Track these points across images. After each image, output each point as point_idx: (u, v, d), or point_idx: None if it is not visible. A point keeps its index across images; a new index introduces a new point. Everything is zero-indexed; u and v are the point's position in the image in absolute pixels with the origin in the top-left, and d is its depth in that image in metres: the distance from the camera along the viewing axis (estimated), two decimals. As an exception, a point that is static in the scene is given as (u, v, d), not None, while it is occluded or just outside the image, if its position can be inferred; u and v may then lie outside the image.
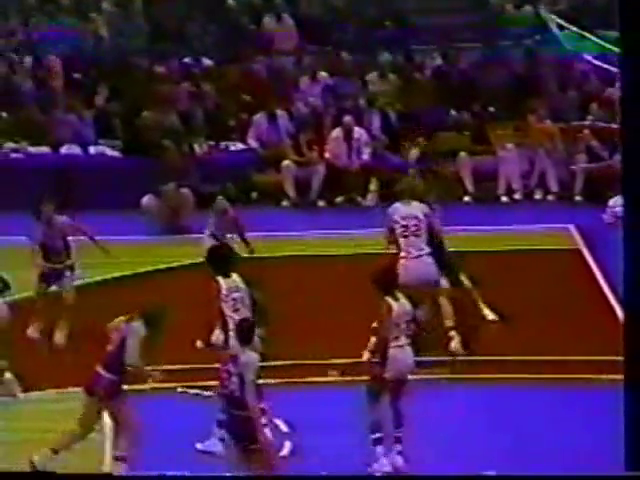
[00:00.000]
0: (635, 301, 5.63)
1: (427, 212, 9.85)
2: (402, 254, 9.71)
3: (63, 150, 13.67)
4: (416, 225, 9.74)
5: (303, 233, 12.36)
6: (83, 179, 13.01)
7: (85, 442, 8.38)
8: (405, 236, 9.77)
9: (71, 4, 15.24)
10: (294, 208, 13.57)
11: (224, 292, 8.76)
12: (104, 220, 11.45)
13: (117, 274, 11.28)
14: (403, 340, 8.33)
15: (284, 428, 8.89)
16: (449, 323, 9.93)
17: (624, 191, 5.50)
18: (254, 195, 13.76)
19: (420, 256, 9.74)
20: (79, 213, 10.69)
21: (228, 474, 7.78)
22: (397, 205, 9.90)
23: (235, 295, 8.77)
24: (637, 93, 5.46)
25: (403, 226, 9.79)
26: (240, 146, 14.06)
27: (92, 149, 13.65)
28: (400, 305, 8.37)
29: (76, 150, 13.63)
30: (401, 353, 8.32)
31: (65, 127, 13.64)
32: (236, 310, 8.68)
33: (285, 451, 8.64)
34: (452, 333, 9.84)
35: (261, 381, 8.18)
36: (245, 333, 8.01)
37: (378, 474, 8.19)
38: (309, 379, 9.56)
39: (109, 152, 13.70)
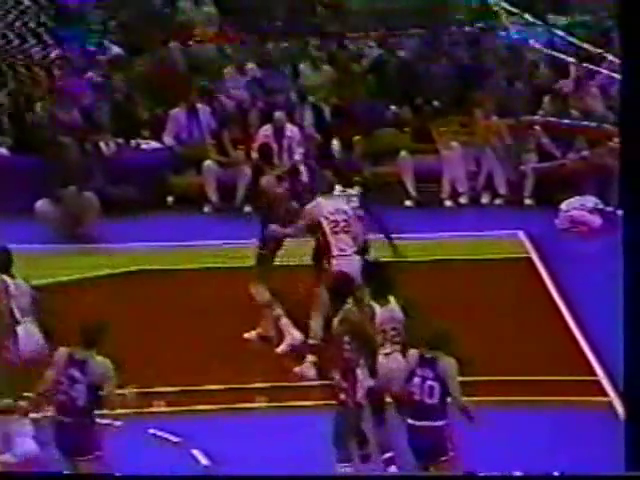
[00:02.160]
0: (633, 305, 5.39)
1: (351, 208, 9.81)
2: (334, 252, 9.63)
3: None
4: (345, 221, 9.71)
5: (226, 242, 12.22)
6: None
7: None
8: (336, 232, 9.71)
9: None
10: (217, 214, 13.35)
11: None
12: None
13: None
14: (389, 348, 8.32)
15: (203, 460, 8.70)
16: None
17: (621, 199, 5.37)
18: (170, 200, 13.49)
19: (347, 254, 9.74)
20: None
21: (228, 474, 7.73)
22: (320, 200, 9.77)
23: None
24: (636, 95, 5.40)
25: (333, 221, 9.72)
26: (154, 144, 13.76)
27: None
28: (386, 310, 8.36)
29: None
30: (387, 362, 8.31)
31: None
32: None
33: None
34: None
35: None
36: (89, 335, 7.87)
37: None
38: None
39: (-5, 150, 13.38)
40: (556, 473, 7.96)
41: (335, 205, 9.83)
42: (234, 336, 10.30)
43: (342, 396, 8.39)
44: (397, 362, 8.36)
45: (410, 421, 7.96)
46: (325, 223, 9.76)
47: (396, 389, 8.33)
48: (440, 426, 7.88)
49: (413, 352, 8.01)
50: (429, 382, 7.90)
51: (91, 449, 7.85)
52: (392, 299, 8.52)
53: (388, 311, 8.38)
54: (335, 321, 8.58)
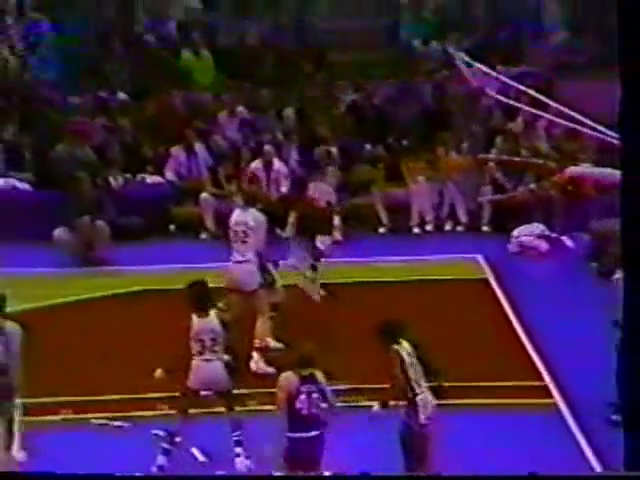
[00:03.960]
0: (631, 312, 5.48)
1: (261, 221, 10.07)
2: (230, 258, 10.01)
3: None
4: (244, 232, 9.96)
5: (222, 264, 12.28)
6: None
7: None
8: (235, 241, 10.05)
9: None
10: (213, 240, 13.42)
11: None
12: (15, 253, 11.26)
13: (28, 306, 11.07)
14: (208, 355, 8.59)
15: (200, 457, 8.77)
16: (256, 342, 10.03)
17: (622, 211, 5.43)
18: (172, 227, 13.64)
19: (241, 262, 9.99)
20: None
21: (228, 474, 7.75)
22: (236, 210, 10.17)
23: None
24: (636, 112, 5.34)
25: (234, 231, 10.08)
26: (157, 179, 13.93)
27: (1, 182, 13.44)
28: (202, 321, 8.62)
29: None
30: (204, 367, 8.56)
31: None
32: None
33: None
34: (253, 352, 9.87)
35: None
36: None
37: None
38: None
39: (19, 185, 13.50)
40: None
41: (240, 217, 10.18)
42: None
43: None
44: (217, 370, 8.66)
45: (294, 434, 7.87)
46: (230, 232, 10.20)
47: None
48: (321, 433, 7.93)
49: (288, 374, 8.03)
50: (314, 395, 7.97)
51: None
52: (212, 312, 8.75)
53: (206, 322, 8.64)
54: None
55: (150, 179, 13.94)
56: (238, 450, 8.71)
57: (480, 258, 12.80)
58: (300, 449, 7.88)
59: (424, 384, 8.28)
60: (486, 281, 12.21)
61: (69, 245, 12.67)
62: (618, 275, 9.70)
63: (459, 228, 13.82)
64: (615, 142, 8.44)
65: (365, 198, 13.83)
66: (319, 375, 8.05)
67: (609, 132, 8.56)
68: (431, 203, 13.80)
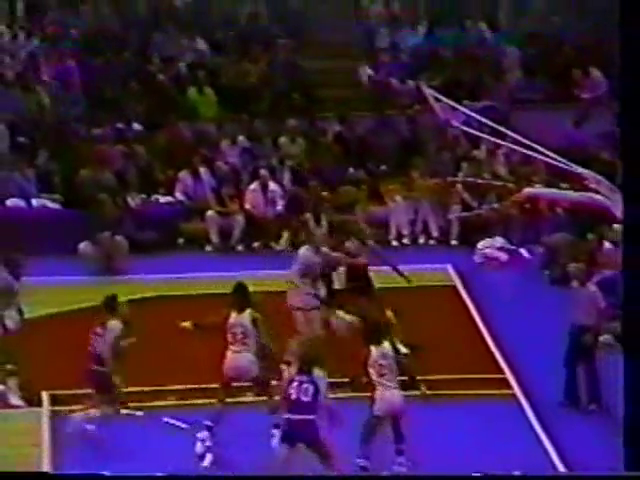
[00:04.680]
0: (630, 306, 5.49)
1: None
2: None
3: (8, 203, 13.51)
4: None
5: (224, 274, 12.33)
6: (26, 229, 12.85)
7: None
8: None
9: (15, 77, 15.08)
10: (217, 252, 13.54)
11: None
12: (44, 264, 11.32)
13: (55, 310, 11.11)
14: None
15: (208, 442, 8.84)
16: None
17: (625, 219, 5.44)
18: (181, 241, 13.75)
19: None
20: (24, 259, 10.55)
21: (228, 474, 7.83)
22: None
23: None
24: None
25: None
26: (169, 199, 14.03)
27: (34, 202, 13.53)
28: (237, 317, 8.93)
29: (20, 203, 13.51)
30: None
31: (10, 184, 13.55)
32: None
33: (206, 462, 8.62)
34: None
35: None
36: None
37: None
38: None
39: (50, 205, 13.60)
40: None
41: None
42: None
43: None
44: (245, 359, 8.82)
45: (287, 415, 8.13)
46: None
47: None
48: (312, 419, 8.06)
49: (294, 367, 8.42)
50: (305, 385, 8.17)
51: None
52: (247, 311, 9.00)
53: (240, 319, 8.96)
54: None
55: (162, 199, 14.04)
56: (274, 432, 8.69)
57: (449, 268, 12.95)
58: (291, 429, 8.06)
59: (392, 384, 8.46)
60: (454, 288, 12.36)
61: (92, 257, 12.77)
62: (575, 284, 9.91)
63: (431, 241, 13.97)
64: (563, 166, 8.57)
65: (349, 214, 13.94)
66: (317, 371, 8.22)
67: (558, 158, 8.68)
68: (407, 219, 13.96)
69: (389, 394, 8.56)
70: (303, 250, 10.40)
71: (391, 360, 8.64)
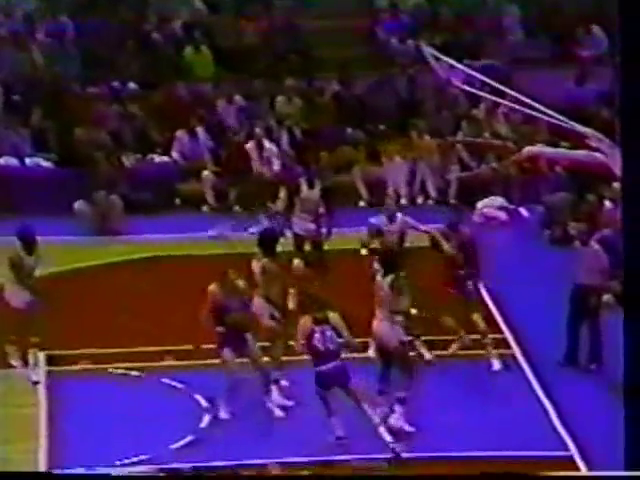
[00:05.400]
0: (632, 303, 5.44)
1: None
2: None
3: (2, 162, 13.28)
4: None
5: (221, 234, 12.17)
6: (20, 188, 12.64)
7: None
8: None
9: (9, 36, 14.78)
10: (213, 213, 13.34)
11: None
12: (41, 223, 11.14)
13: (53, 269, 10.96)
14: None
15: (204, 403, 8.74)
16: None
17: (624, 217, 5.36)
18: (177, 201, 13.51)
19: None
20: (18, 217, 10.39)
21: (229, 474, 7.67)
22: None
23: None
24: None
25: None
26: (164, 159, 13.77)
27: (28, 161, 13.29)
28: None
29: (13, 162, 13.26)
30: None
31: (4, 142, 13.29)
32: None
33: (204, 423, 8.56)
34: None
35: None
36: None
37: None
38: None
39: (44, 164, 13.34)
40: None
41: None
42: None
43: None
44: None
45: (319, 368, 8.18)
46: None
47: None
48: (342, 363, 8.19)
49: (305, 318, 8.32)
50: (327, 332, 8.20)
51: None
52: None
53: None
54: None
55: (158, 159, 13.77)
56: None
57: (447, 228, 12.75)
58: (326, 379, 8.13)
59: (382, 315, 8.51)
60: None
61: (87, 216, 12.55)
62: (577, 244, 9.77)
63: (429, 202, 13.77)
64: (563, 125, 8.39)
65: (347, 175, 13.75)
66: (332, 315, 8.22)
67: (559, 116, 8.48)
68: (405, 180, 13.75)
69: (375, 324, 8.57)
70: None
71: (388, 293, 8.58)
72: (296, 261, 10.49)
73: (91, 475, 6.86)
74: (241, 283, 8.83)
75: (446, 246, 9.90)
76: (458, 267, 9.82)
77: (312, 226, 10.64)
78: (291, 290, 10.24)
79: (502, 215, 13.20)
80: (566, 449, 8.35)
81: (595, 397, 8.91)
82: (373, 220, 10.15)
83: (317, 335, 8.19)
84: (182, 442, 8.40)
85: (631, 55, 5.37)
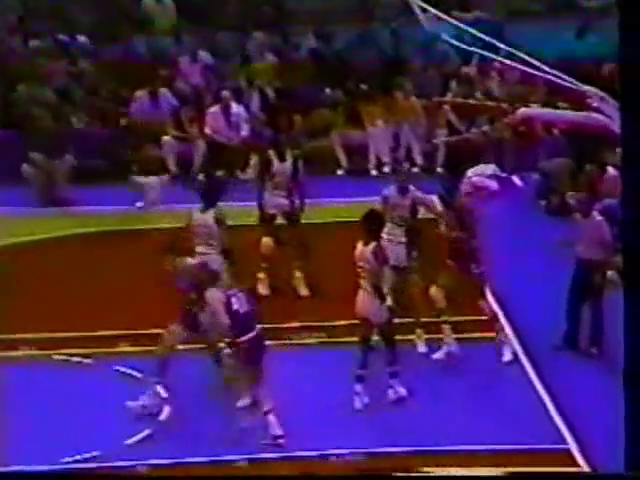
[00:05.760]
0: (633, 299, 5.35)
1: None
2: None
3: None
4: None
5: (182, 205, 11.97)
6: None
7: None
8: None
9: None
10: (176, 182, 13.08)
11: None
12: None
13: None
14: None
15: (163, 393, 8.59)
16: None
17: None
18: (134, 169, 13.12)
19: None
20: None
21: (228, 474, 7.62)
22: None
23: None
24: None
25: None
26: (121, 122, 13.48)
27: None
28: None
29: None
30: None
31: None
32: None
33: (164, 416, 8.43)
34: None
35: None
36: None
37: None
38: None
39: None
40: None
41: None
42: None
43: None
44: None
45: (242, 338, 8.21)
46: None
47: None
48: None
49: (211, 291, 8.44)
50: (239, 294, 8.33)
51: None
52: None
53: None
54: None
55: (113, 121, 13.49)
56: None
57: (435, 198, 12.65)
58: (250, 352, 8.10)
59: (366, 286, 8.56)
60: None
61: (33, 181, 12.31)
62: (577, 216, 9.69)
63: (415, 170, 13.62)
64: (562, 83, 8.23)
65: (325, 141, 13.59)
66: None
67: (558, 73, 8.30)
68: (388, 145, 13.58)
69: (359, 299, 8.56)
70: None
71: (372, 263, 8.53)
72: (265, 239, 10.27)
73: (91, 475, 6.91)
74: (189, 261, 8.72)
75: (442, 228, 9.78)
76: (460, 243, 9.67)
77: (284, 201, 10.39)
78: (261, 275, 10.19)
79: (493, 184, 13.03)
80: (564, 442, 8.25)
81: (596, 384, 8.81)
82: (385, 192, 10.02)
83: (234, 299, 8.19)
84: (137, 437, 8.24)
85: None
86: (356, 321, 8.82)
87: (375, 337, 8.83)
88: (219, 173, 13.44)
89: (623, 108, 5.33)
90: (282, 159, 10.51)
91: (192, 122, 13.45)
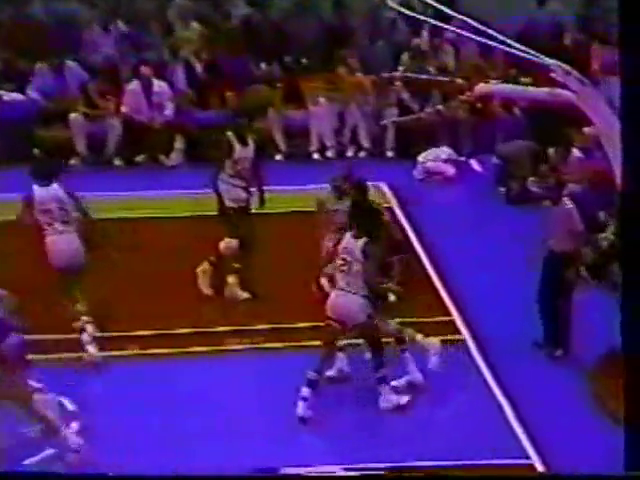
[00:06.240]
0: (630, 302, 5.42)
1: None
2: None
3: None
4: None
5: (96, 194, 11.81)
6: None
7: None
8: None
9: None
10: (86, 166, 12.97)
11: None
12: None
13: None
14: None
15: (69, 406, 8.57)
16: None
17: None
18: (36, 151, 12.91)
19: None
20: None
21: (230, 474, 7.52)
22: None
23: None
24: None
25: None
26: (18, 97, 13.23)
27: None
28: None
29: None
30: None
31: None
32: None
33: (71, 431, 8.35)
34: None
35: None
36: None
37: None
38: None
39: None
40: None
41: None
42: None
43: None
44: None
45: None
46: None
47: None
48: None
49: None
50: None
51: None
52: None
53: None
54: None
55: (8, 97, 13.19)
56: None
57: (384, 186, 12.68)
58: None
59: (341, 285, 8.61)
60: (391, 210, 12.02)
61: None
62: (547, 203, 9.76)
63: (362, 154, 13.68)
64: (524, 56, 8.32)
65: (261, 121, 13.54)
66: None
67: (519, 45, 8.38)
68: (332, 126, 13.59)
69: (334, 297, 8.60)
70: None
71: (352, 259, 8.55)
72: (228, 240, 10.10)
73: (91, 475, 6.94)
74: None
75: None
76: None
77: (244, 194, 10.16)
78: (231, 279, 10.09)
79: (449, 169, 13.25)
80: (525, 456, 8.34)
81: (560, 390, 8.93)
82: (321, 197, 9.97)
83: None
84: (39, 457, 8.15)
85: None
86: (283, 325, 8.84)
87: (354, 340, 8.83)
88: (139, 158, 13.32)
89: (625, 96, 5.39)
90: (244, 143, 10.18)
91: (105, 98, 13.25)
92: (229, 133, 10.22)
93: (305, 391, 8.53)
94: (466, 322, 10.00)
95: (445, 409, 8.84)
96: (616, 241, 9.06)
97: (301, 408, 8.50)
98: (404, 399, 8.76)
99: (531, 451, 8.34)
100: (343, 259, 8.59)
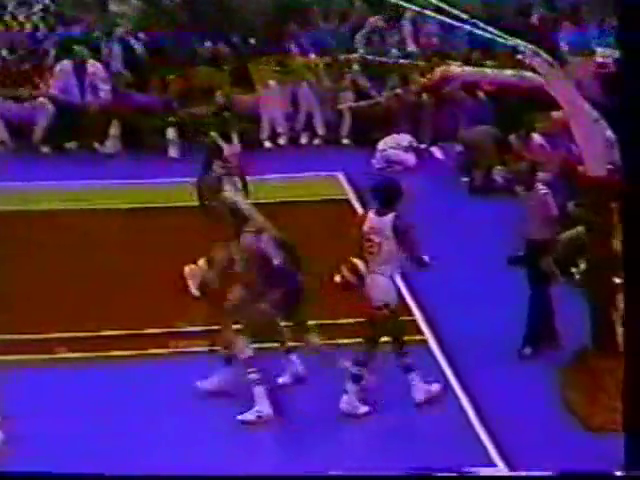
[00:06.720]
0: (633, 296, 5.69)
1: None
2: None
3: None
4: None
5: (22, 184, 11.99)
6: None
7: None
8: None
9: None
10: (10, 154, 13.13)
11: None
12: None
13: None
14: None
15: None
16: None
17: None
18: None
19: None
20: None
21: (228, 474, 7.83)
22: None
23: None
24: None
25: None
26: None
27: None
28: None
29: None
30: None
31: None
32: None
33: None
34: None
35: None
36: None
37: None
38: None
39: None
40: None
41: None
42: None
43: None
44: None
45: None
46: None
47: None
48: None
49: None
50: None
51: None
52: None
53: None
54: None
55: None
56: None
57: (340, 175, 12.92)
58: None
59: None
60: (347, 202, 12.35)
61: None
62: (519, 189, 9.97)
63: (316, 141, 13.92)
64: (488, 36, 8.59)
65: (206, 106, 13.74)
66: None
67: (483, 25, 8.71)
68: (284, 112, 13.80)
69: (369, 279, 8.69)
70: None
71: (380, 239, 8.74)
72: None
73: (91, 475, 7.15)
74: None
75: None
76: None
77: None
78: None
79: (409, 157, 13.51)
80: (491, 462, 8.61)
81: (529, 390, 9.17)
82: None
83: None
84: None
85: None
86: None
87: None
88: (70, 145, 13.45)
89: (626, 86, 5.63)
90: (228, 140, 10.61)
91: (31, 77, 13.37)
92: (213, 133, 10.50)
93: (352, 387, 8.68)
94: (428, 321, 10.22)
95: (406, 412, 9.05)
96: (587, 236, 9.34)
97: (344, 402, 8.64)
98: (436, 387, 8.99)
99: (495, 455, 8.63)
100: (369, 240, 8.78)
